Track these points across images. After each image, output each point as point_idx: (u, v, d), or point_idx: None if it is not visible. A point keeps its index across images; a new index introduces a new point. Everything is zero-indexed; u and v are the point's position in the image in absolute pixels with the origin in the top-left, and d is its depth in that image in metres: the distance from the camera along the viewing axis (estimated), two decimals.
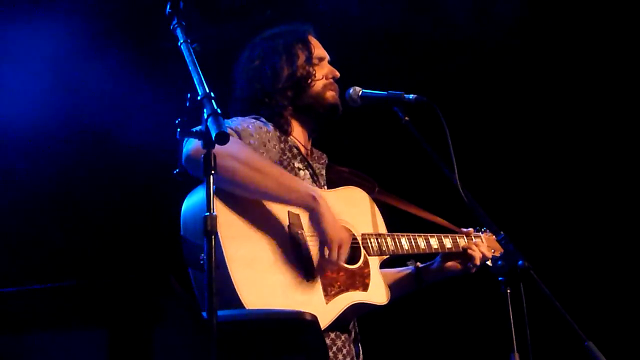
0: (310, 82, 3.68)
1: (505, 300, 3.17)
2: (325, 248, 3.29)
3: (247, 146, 3.33)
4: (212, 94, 2.65)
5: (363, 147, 5.94)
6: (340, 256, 3.30)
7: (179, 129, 2.61)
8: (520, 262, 3.19)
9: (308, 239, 3.35)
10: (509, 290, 3.18)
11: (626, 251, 5.99)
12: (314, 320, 2.71)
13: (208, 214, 2.48)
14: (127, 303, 2.39)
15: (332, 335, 3.43)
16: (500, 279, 3.24)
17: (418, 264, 3.95)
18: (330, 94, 3.73)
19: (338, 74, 3.79)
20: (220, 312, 2.40)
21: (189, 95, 2.65)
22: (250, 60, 3.77)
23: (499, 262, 3.29)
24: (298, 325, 2.73)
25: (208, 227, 2.47)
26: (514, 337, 3.12)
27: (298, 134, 3.72)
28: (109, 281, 2.36)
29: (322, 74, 3.74)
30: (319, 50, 3.81)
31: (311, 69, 3.70)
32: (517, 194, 6.11)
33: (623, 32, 5.85)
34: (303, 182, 3.47)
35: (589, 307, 5.37)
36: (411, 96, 3.63)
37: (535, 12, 5.81)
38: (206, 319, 2.37)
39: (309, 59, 3.72)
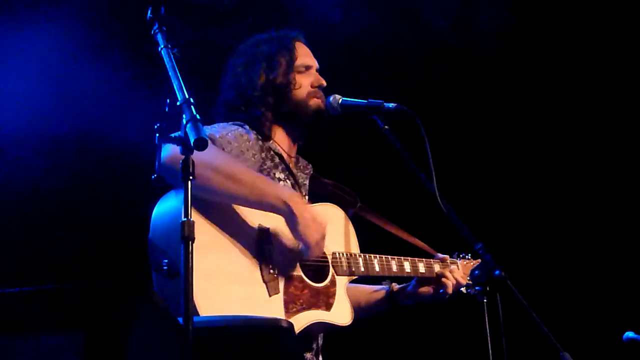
0: (291, 89, 3.65)
1: (482, 310, 3.17)
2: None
3: (222, 152, 3.29)
4: (192, 100, 2.64)
5: (346, 155, 5.93)
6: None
7: (157, 134, 2.61)
8: (497, 272, 3.17)
9: (274, 254, 3.31)
10: (485, 300, 3.18)
11: (602, 262, 6.03)
12: (290, 327, 2.71)
13: (186, 219, 2.46)
14: (103, 308, 2.38)
15: None
16: (477, 288, 3.24)
17: (394, 285, 3.91)
18: (314, 102, 3.69)
19: (324, 83, 3.76)
20: (196, 318, 2.40)
21: (168, 100, 2.65)
22: (234, 66, 3.75)
23: (476, 272, 3.28)
24: (274, 331, 2.74)
25: (185, 233, 2.45)
26: (489, 347, 3.12)
27: (281, 140, 3.69)
28: (86, 285, 2.35)
29: (307, 82, 3.71)
30: (306, 58, 3.78)
31: (292, 77, 3.67)
32: (497, 203, 6.13)
33: (608, 42, 5.89)
34: (278, 185, 3.42)
35: (565, 317, 5.40)
36: (391, 105, 3.60)
37: (519, 22, 5.84)
38: (182, 324, 2.37)
39: (291, 67, 3.69)
